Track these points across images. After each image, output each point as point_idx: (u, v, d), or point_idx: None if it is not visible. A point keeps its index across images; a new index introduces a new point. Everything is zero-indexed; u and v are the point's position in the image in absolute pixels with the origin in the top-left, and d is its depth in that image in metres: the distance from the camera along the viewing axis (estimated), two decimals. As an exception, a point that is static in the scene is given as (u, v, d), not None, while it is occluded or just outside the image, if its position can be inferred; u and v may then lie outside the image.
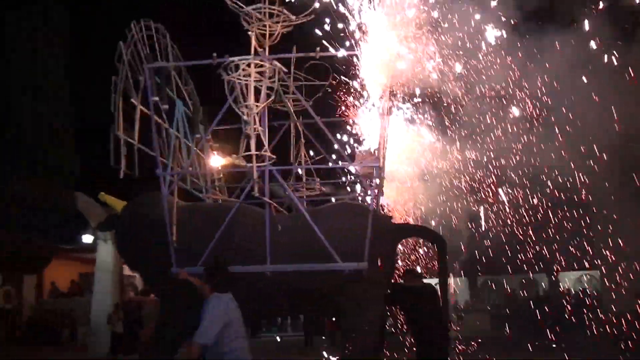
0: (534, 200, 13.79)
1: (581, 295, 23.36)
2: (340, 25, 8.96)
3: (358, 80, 8.89)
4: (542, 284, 28.41)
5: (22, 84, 18.04)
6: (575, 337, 15.02)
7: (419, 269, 9.89)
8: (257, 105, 7.62)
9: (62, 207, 17.75)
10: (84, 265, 23.68)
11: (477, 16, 10.32)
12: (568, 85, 10.95)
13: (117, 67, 7.89)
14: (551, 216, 15.78)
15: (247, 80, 7.55)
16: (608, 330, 15.14)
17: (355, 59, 8.45)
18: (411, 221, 9.95)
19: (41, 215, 17.15)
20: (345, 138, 9.54)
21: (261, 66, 7.74)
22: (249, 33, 7.78)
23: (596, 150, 12.42)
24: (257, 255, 7.53)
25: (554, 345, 14.32)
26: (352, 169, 8.85)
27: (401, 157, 9.81)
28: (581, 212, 16.60)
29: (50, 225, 17.68)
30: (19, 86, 17.95)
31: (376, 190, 7.91)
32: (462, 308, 25.81)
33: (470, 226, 13.86)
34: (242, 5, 7.74)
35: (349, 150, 9.18)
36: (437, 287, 8.41)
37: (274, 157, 7.76)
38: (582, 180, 13.22)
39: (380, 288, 7.76)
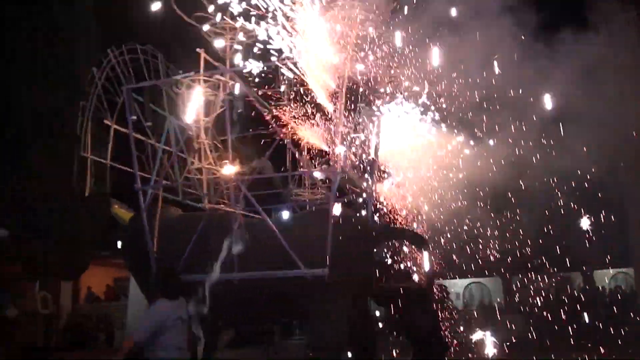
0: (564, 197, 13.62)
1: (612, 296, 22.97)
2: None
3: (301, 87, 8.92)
4: (576, 281, 28.02)
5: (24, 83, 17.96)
6: (612, 336, 14.82)
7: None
8: (204, 120, 7.95)
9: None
10: (119, 270, 23.97)
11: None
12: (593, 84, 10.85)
13: (87, 92, 8.27)
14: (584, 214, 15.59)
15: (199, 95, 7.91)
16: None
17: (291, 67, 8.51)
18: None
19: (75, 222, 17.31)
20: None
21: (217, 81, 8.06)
22: (197, 50, 8.05)
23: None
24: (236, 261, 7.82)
25: (589, 345, 14.13)
26: (317, 174, 8.97)
27: (423, 158, 9.81)
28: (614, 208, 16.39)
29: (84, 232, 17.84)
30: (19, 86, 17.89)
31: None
32: (483, 309, 25.46)
33: (499, 227, 13.76)
34: (194, 24, 8.01)
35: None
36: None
37: (216, 168, 8.03)
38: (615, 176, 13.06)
39: (347, 293, 7.78)
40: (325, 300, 7.60)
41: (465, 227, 11.15)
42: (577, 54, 10.81)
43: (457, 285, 29.28)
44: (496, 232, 13.34)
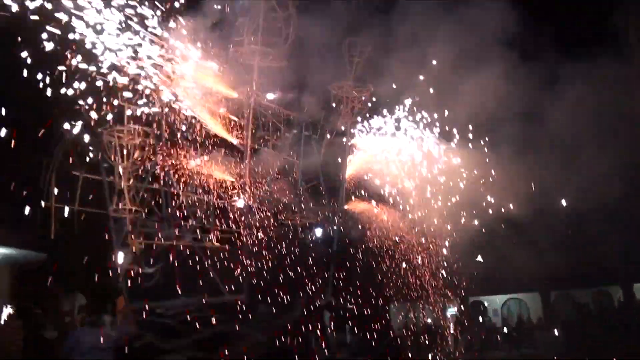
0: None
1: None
2: None
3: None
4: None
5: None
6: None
7: None
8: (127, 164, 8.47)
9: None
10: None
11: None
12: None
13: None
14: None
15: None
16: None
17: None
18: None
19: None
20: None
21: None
22: (118, 102, 8.52)
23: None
24: None
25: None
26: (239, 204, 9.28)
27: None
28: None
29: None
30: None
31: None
32: (513, 327, 24.91)
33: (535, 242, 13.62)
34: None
35: None
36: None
37: (138, 208, 8.54)
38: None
39: (266, 315, 8.24)
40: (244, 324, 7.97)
41: (501, 244, 11.06)
42: (601, 73, 10.74)
43: (495, 302, 28.93)
44: (533, 248, 13.20)
